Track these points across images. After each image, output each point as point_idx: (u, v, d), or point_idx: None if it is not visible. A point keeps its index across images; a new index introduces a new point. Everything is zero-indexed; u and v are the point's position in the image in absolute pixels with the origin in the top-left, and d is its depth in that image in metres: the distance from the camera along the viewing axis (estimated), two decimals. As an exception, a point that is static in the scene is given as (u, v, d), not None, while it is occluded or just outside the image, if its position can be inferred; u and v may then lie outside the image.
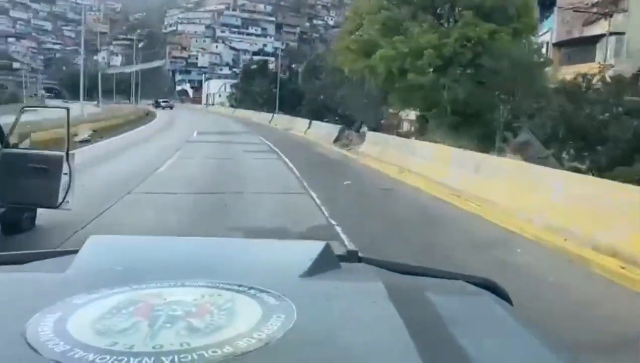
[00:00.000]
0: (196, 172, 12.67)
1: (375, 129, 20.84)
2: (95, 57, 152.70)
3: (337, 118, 29.00)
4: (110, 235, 1.26)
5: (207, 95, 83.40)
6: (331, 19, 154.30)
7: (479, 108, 14.73)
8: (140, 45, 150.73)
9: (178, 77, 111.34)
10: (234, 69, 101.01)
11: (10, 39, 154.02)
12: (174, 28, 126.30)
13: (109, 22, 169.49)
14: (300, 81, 34.82)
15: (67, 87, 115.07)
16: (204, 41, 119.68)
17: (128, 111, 45.62)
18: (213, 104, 76.62)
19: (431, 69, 16.63)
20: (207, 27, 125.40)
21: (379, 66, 17.47)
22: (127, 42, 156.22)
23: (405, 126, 28.24)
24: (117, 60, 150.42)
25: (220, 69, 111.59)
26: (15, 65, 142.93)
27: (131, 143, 21.40)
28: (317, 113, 32.24)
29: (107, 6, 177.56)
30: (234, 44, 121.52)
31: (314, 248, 1.02)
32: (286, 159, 15.33)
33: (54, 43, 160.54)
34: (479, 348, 0.73)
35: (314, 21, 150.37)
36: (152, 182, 10.92)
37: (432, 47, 16.42)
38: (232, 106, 63.17)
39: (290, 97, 40.77)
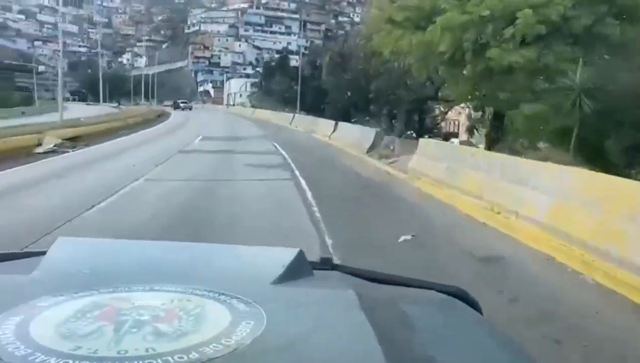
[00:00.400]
0: (149, 214, 7.56)
1: (420, 134, 15.47)
2: (119, 59, 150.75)
3: (367, 118, 23.67)
4: (80, 237, 1.25)
5: (227, 95, 78.55)
6: (357, 16, 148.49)
7: (622, 105, 9.00)
8: (164, 46, 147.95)
9: (200, 77, 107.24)
10: (257, 69, 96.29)
11: (37, 43, 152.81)
12: (197, 28, 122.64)
13: (135, 24, 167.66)
14: (324, 76, 29.61)
15: (92, 90, 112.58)
16: (227, 40, 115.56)
17: (137, 113, 41.28)
18: (234, 105, 71.88)
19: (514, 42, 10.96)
20: (231, 26, 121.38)
21: (440, 40, 11.85)
22: (151, 44, 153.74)
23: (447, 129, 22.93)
24: (142, 61, 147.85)
25: (244, 69, 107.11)
26: (41, 68, 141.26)
27: (109, 153, 16.57)
28: (344, 113, 27.07)
29: (133, 8, 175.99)
30: (257, 43, 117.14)
31: (287, 254, 1.01)
32: (303, 183, 10.16)
33: (79, 46, 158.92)
34: (447, 356, 0.74)
35: (339, 18, 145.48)
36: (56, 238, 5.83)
37: (531, 7, 10.84)
38: (252, 106, 58.39)
39: (314, 95, 35.65)
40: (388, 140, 15.36)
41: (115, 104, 75.85)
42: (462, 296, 1.04)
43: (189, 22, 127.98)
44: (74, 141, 18.60)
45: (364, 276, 1.08)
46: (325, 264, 1.14)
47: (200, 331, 0.70)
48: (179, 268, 0.97)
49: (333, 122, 20.78)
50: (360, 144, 16.14)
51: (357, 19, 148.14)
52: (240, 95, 71.14)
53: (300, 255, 1.01)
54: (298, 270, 0.96)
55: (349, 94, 26.61)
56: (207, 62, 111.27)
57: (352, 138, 17.73)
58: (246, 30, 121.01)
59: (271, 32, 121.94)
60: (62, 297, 0.78)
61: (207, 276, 0.90)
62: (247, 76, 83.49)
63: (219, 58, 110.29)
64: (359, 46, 23.99)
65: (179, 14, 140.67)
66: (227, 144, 19.31)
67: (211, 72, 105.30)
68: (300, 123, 29.68)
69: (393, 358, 0.66)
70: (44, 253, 0.99)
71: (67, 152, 16.16)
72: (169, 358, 0.64)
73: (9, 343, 0.66)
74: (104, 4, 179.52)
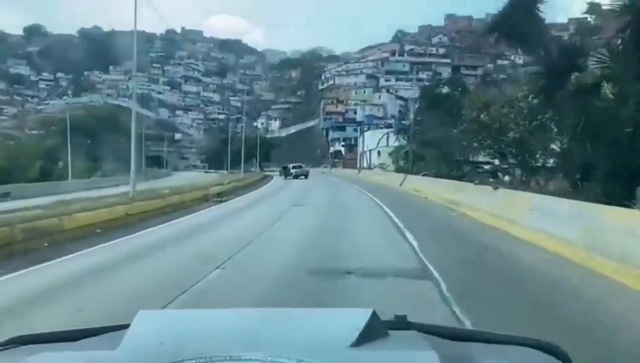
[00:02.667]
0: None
1: None
2: (255, 124, 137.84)
3: None
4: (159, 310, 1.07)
5: (360, 154, 53.95)
6: (519, 58, 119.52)
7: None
8: (298, 106, 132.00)
9: (333, 135, 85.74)
10: (403, 122, 71.54)
11: (178, 112, 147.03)
12: (332, 82, 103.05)
13: (275, 90, 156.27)
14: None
15: (218, 156, 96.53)
16: (364, 92, 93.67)
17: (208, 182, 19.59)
18: (370, 167, 47.28)
19: None
20: (369, 76, 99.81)
21: None
22: (286, 106, 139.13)
23: None
24: (275, 124, 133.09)
25: (386, 123, 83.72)
26: (177, 136, 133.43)
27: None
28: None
29: (274, 75, 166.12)
30: (400, 93, 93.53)
31: (361, 316, 0.96)
32: None
33: (219, 113, 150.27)
34: None
35: (499, 61, 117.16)
36: None
37: None
38: (401, 168, 33.15)
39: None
40: None
41: (226, 171, 61.37)
42: (550, 350, 0.95)
43: (322, 78, 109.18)
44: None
45: (441, 334, 1.00)
46: (400, 323, 1.05)
47: None
48: (256, 335, 0.94)
49: None
50: None
51: (519, 61, 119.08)
52: (379, 153, 46.46)
53: (374, 316, 0.96)
54: (373, 331, 0.91)
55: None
56: (340, 118, 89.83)
57: None
58: (387, 80, 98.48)
59: (418, 80, 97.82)
60: None
61: (283, 342, 0.88)
62: (389, 126, 58.83)
63: (355, 113, 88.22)
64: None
65: (314, 72, 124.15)
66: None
67: (344, 128, 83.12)
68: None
69: None
70: (126, 326, 0.98)
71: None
72: None
73: None
74: (247, 72, 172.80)
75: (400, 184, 25.31)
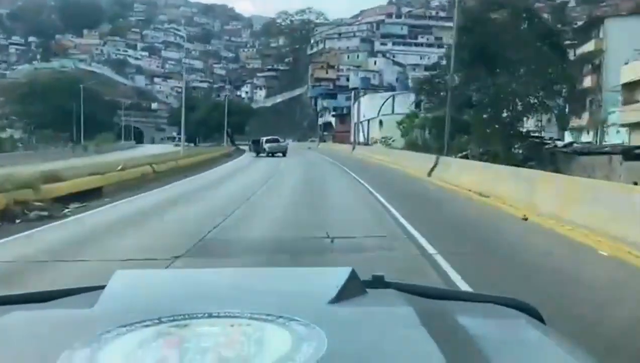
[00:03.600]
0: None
1: None
2: (238, 93, 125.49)
3: None
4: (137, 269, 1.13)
5: (355, 125, 42.13)
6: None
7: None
8: (285, 73, 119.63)
9: (322, 105, 74.20)
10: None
11: (156, 79, 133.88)
12: (322, 46, 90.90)
13: (261, 57, 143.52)
14: None
15: (195, 127, 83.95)
16: (358, 57, 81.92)
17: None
18: (368, 142, 36.15)
19: None
20: (363, 40, 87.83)
21: None
22: (273, 73, 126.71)
23: None
24: (261, 93, 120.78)
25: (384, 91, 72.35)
26: (154, 105, 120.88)
27: None
28: None
29: (261, 41, 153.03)
30: (398, 58, 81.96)
31: (340, 274, 0.96)
32: None
33: (201, 81, 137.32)
34: None
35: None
36: None
37: None
38: (414, 145, 22.25)
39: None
40: None
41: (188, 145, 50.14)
42: (521, 307, 0.98)
43: (312, 41, 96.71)
44: None
45: (418, 292, 1.01)
46: (378, 282, 1.05)
47: (263, 355, 0.67)
48: (235, 293, 0.93)
49: None
50: None
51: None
52: (381, 123, 35.17)
53: (353, 274, 0.96)
54: (352, 288, 0.92)
55: None
56: (331, 85, 78.20)
57: None
58: (383, 44, 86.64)
59: (416, 45, 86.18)
60: (125, 329, 0.74)
61: (263, 300, 0.86)
62: (392, 88, 47.43)
63: (347, 80, 76.64)
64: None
65: (304, 38, 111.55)
66: None
67: (335, 96, 71.53)
68: None
69: None
70: (103, 287, 0.96)
71: None
72: None
73: None
74: (232, 39, 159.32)
75: (429, 174, 14.49)
